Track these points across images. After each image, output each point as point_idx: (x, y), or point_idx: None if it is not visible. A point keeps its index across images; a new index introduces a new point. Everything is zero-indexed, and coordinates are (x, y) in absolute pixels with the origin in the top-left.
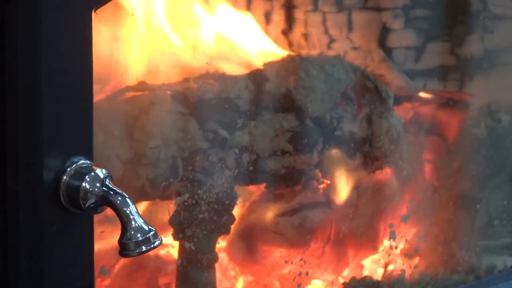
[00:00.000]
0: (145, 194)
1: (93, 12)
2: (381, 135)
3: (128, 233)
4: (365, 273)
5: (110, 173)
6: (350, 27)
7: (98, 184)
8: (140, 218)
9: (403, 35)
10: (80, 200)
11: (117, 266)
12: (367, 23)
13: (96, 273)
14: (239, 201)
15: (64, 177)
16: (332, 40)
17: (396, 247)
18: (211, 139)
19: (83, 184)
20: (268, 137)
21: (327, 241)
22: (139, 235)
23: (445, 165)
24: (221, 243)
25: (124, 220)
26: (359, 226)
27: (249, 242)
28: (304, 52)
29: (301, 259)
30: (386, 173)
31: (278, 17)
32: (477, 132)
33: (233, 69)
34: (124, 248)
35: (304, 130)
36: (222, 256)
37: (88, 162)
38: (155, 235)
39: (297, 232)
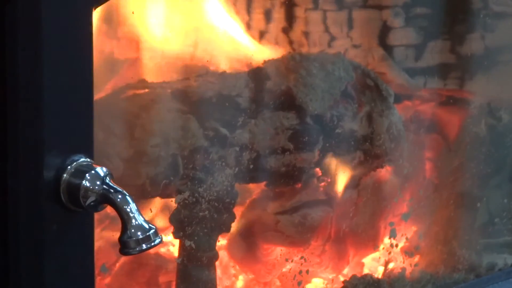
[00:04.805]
0: (145, 192)
1: (93, 11)
2: (382, 133)
3: (128, 231)
4: (366, 271)
5: (111, 171)
6: (350, 25)
7: (98, 182)
8: (140, 216)
9: (404, 33)
10: (80, 198)
11: (117, 264)
12: (367, 21)
13: (96, 271)
14: (239, 199)
15: (65, 175)
16: (332, 38)
17: (396, 245)
18: (211, 137)
19: (84, 182)
20: (269, 135)
21: (328, 239)
22: (139, 233)
23: (446, 163)
24: (222, 241)
25: (125, 218)
26: (360, 224)
27: (250, 240)
28: (304, 50)
29: (302, 257)
30: (386, 171)
31: (279, 15)
32: (478, 131)
33: (233, 67)
34: (124, 246)
35: (305, 128)
36: (223, 254)
37: (89, 160)
38: (156, 233)
39: (298, 230)
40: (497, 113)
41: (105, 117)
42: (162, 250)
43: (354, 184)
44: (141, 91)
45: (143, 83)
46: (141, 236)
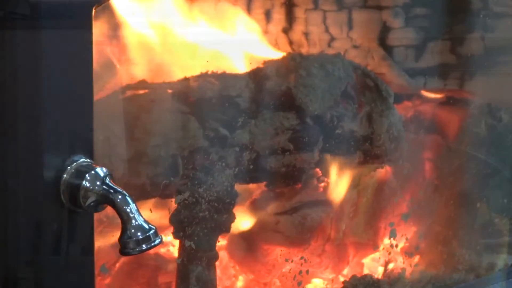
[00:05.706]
0: (145, 192)
1: (93, 11)
2: (382, 133)
3: (128, 232)
4: (366, 271)
5: (111, 171)
6: (350, 26)
7: (98, 183)
8: (140, 217)
9: (404, 34)
10: (80, 199)
11: (117, 265)
12: (367, 22)
13: (96, 271)
14: (239, 200)
15: (65, 175)
16: (332, 39)
17: (396, 246)
18: (211, 138)
19: (84, 182)
20: (269, 135)
21: (328, 239)
22: (139, 233)
23: (446, 163)
24: (222, 242)
25: (125, 219)
26: (360, 225)
27: (250, 241)
28: (304, 50)
29: (302, 258)
30: (386, 172)
31: (279, 16)
32: (478, 131)
33: (233, 68)
34: (124, 247)
35: (305, 128)
36: (223, 255)
37: (89, 160)
38: (156, 234)
39: (298, 230)
40: (497, 113)
41: (105, 117)
42: (162, 250)
43: (354, 184)
44: (141, 92)
45: (143, 84)
46: (141, 237)
